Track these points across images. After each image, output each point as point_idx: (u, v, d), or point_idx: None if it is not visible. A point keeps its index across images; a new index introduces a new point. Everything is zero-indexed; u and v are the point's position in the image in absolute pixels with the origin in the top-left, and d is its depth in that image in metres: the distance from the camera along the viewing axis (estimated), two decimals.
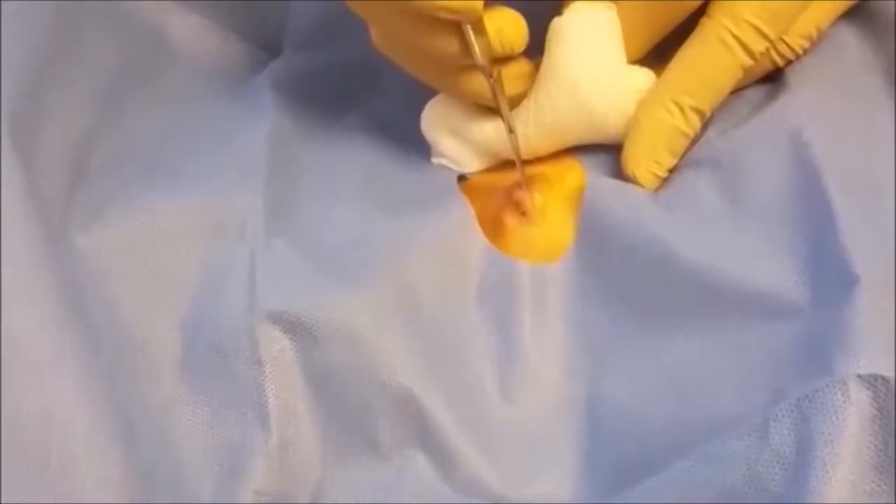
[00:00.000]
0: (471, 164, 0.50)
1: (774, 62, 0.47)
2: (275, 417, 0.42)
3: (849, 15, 0.49)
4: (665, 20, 0.46)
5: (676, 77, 0.46)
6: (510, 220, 0.47)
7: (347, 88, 0.51)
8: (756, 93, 0.48)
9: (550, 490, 0.42)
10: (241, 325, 0.43)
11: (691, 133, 0.47)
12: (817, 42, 0.48)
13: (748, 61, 0.45)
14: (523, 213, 0.47)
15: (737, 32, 0.45)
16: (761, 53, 0.45)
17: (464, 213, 0.47)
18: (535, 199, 0.47)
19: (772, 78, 0.48)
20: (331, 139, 0.50)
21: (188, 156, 0.49)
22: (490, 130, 0.48)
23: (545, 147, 0.48)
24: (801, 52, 0.47)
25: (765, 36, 0.45)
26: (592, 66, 0.46)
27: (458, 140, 0.49)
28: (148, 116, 0.51)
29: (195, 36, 0.55)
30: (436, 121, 0.49)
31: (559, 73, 0.46)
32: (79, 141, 0.48)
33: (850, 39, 0.49)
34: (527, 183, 0.47)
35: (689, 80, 0.46)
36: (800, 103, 0.46)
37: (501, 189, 0.48)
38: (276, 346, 0.43)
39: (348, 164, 0.49)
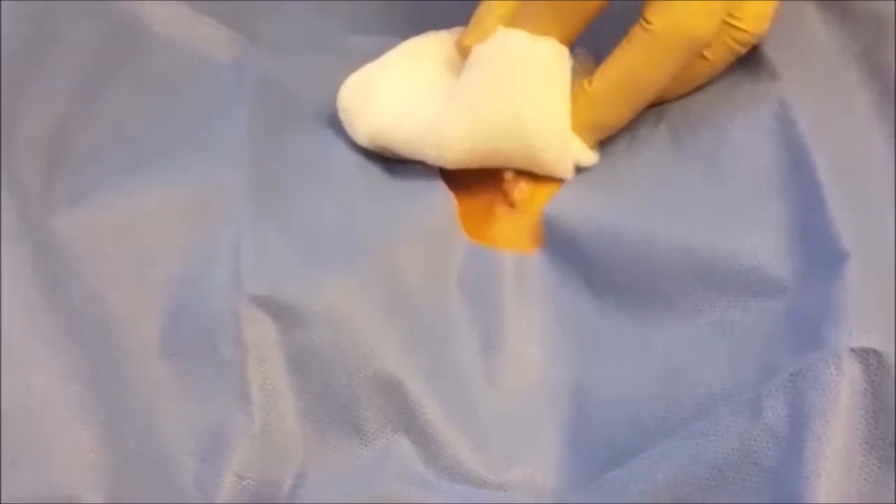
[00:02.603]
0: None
1: (733, 50, 0.48)
2: (257, 401, 0.42)
3: (819, 9, 0.51)
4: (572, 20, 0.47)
5: (615, 77, 0.47)
6: (499, 209, 0.48)
7: (330, 73, 0.51)
8: (738, 72, 0.49)
9: (534, 474, 0.42)
10: (225, 309, 0.43)
11: (621, 126, 0.48)
12: (792, 33, 0.49)
13: (688, 59, 0.46)
14: (511, 203, 0.48)
15: (677, 36, 0.45)
16: (701, 56, 0.47)
17: (447, 203, 0.48)
18: (522, 189, 0.48)
19: (753, 60, 0.49)
20: (314, 123, 0.50)
21: (169, 140, 0.49)
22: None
23: (475, 161, 0.48)
24: (759, 32, 0.48)
25: (706, 33, 0.46)
26: (542, 109, 0.47)
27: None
28: (127, 102, 0.51)
29: (173, 21, 0.55)
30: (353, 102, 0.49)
31: (506, 110, 0.46)
32: (57, 127, 0.48)
33: (823, 31, 0.50)
34: (515, 174, 0.48)
35: (627, 82, 0.47)
36: (783, 84, 0.47)
37: (489, 178, 0.48)
38: (260, 329, 0.43)
39: (332, 148, 0.49)
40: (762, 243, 0.42)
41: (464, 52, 0.48)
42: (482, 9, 0.48)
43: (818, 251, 0.40)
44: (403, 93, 0.48)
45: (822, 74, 0.48)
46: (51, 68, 0.49)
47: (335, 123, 0.50)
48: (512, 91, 0.46)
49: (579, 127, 0.47)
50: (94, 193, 0.46)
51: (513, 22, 0.47)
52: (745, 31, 0.47)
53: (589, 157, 0.48)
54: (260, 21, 0.56)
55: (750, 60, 0.49)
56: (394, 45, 0.50)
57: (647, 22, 0.46)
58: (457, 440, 0.43)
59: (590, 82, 0.47)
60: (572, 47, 0.48)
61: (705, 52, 0.47)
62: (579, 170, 0.48)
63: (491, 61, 0.47)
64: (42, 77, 0.49)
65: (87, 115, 0.49)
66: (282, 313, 0.43)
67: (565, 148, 0.47)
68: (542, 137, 0.47)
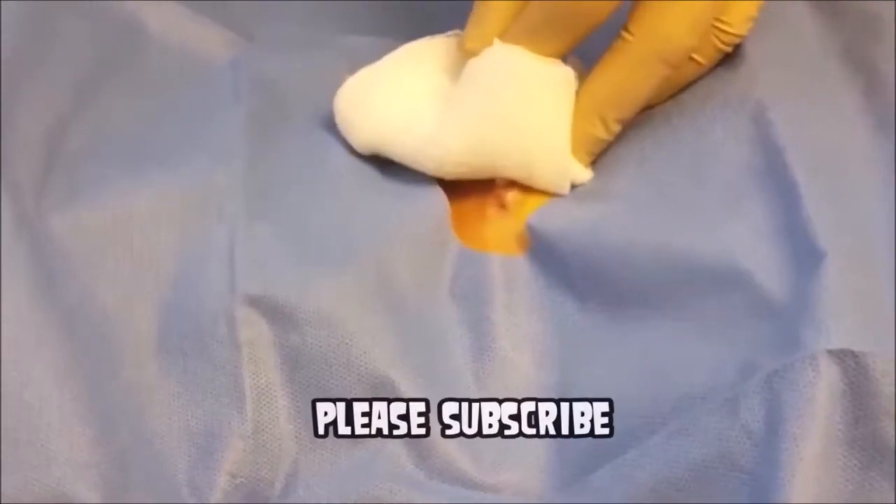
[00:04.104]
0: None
1: (721, 50, 0.48)
2: (251, 400, 0.43)
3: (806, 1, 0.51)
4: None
5: (600, 91, 0.47)
6: (491, 211, 0.48)
7: (326, 73, 0.51)
8: (719, 72, 0.49)
9: (522, 475, 0.43)
10: (220, 308, 0.43)
11: (611, 138, 0.48)
12: (776, 26, 0.49)
13: (671, 72, 0.47)
14: (503, 206, 0.48)
15: (659, 50, 0.46)
16: (689, 58, 0.47)
17: (441, 206, 0.48)
18: (515, 194, 0.48)
19: (734, 57, 0.49)
20: (310, 124, 0.51)
21: (165, 140, 0.50)
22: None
23: (473, 175, 0.48)
24: (746, 33, 0.48)
25: (687, 47, 0.46)
26: (543, 130, 0.47)
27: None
28: (124, 102, 0.52)
29: (170, 21, 0.56)
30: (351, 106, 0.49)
31: (508, 129, 0.47)
32: (54, 127, 0.49)
33: (808, 23, 0.51)
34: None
35: (612, 96, 0.47)
36: (763, 83, 0.47)
37: (481, 181, 0.48)
38: (254, 329, 0.43)
39: (327, 149, 0.49)
40: (737, 242, 0.42)
41: (468, 54, 0.48)
42: (481, 8, 0.48)
43: (795, 250, 0.40)
44: (400, 101, 0.49)
45: (805, 70, 0.48)
46: (48, 68, 0.50)
47: (331, 124, 0.50)
48: (514, 110, 0.47)
49: (574, 144, 0.48)
50: (90, 192, 0.46)
51: (510, 31, 0.47)
52: (732, 33, 0.48)
53: (584, 174, 0.48)
54: (256, 22, 0.57)
55: (731, 60, 0.49)
56: (388, 46, 0.51)
57: (630, 34, 0.46)
58: (447, 442, 0.43)
59: (577, 98, 0.47)
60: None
61: (694, 55, 0.47)
62: (573, 185, 0.49)
63: (491, 78, 0.47)
64: (39, 77, 0.49)
65: (83, 114, 0.50)
66: (275, 314, 0.43)
67: (564, 168, 0.48)
68: (542, 159, 0.47)
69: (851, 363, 0.35)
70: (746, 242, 0.42)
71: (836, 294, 0.37)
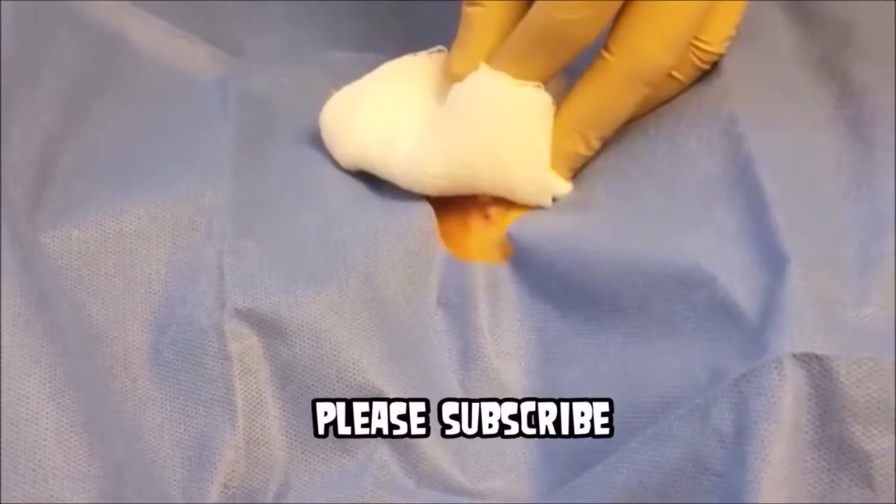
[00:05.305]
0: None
1: (700, 68, 0.49)
2: (242, 412, 0.43)
3: (783, 9, 0.51)
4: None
5: (581, 109, 0.48)
6: (475, 222, 0.49)
7: (312, 88, 0.52)
8: (694, 86, 0.49)
9: (510, 484, 0.43)
10: (210, 322, 0.44)
11: (592, 154, 0.49)
12: (752, 35, 0.49)
13: (651, 90, 0.47)
14: (486, 217, 0.49)
15: (637, 69, 0.46)
16: (669, 76, 0.48)
17: (428, 217, 0.49)
18: (498, 208, 0.49)
19: (709, 71, 0.49)
20: (297, 139, 0.51)
21: (154, 157, 0.50)
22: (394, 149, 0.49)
23: (455, 192, 0.49)
24: (724, 51, 0.49)
25: (665, 66, 0.47)
26: (523, 155, 0.48)
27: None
28: (114, 118, 0.52)
29: (157, 38, 0.56)
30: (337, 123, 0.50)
31: (488, 154, 0.47)
32: (45, 143, 0.49)
33: (784, 33, 0.51)
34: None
35: (593, 114, 0.48)
36: (735, 97, 0.48)
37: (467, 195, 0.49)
38: (244, 342, 0.44)
39: (315, 164, 0.50)
40: (705, 249, 0.42)
41: (453, 78, 0.49)
42: (465, 32, 0.49)
43: (762, 257, 0.40)
44: (383, 119, 0.49)
45: (778, 82, 0.48)
46: (38, 86, 0.50)
47: (318, 139, 0.50)
48: (494, 136, 0.47)
49: (556, 159, 0.48)
50: (81, 210, 0.46)
51: (496, 56, 0.48)
52: (710, 51, 0.48)
53: (565, 187, 0.49)
54: (242, 38, 0.58)
55: (706, 74, 0.49)
56: (374, 61, 0.51)
57: (610, 53, 0.47)
58: (436, 449, 0.43)
59: (558, 115, 0.48)
60: None
61: (674, 73, 0.48)
62: (554, 199, 0.49)
63: (474, 105, 0.47)
64: (30, 95, 0.49)
65: (73, 132, 0.50)
66: (265, 327, 0.44)
67: (545, 186, 0.48)
68: (522, 183, 0.48)
69: (816, 367, 0.36)
70: (714, 250, 0.42)
71: (801, 298, 0.38)
